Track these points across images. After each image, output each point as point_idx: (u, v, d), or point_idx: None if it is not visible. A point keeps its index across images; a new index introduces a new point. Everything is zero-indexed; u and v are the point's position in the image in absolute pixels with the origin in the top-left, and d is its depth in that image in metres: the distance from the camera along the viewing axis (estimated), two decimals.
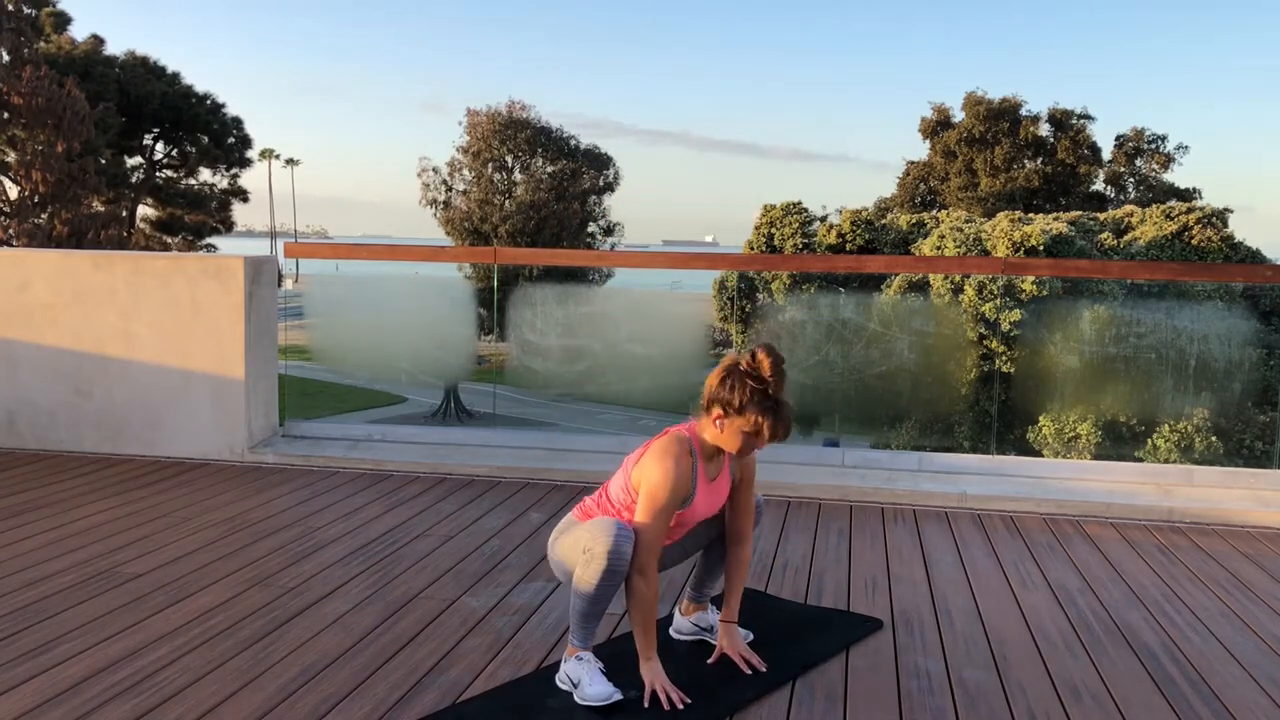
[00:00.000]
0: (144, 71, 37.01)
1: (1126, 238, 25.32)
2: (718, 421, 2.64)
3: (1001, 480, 4.93)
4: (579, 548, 2.65)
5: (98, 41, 36.50)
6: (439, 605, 3.35)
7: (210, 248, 40.14)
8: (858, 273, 23.89)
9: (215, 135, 38.63)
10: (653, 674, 2.65)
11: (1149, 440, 18.44)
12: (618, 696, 2.62)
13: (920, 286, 21.44)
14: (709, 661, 2.87)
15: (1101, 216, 27.23)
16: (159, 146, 38.75)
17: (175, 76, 38.10)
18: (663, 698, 2.60)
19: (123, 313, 5.36)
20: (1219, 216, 25.04)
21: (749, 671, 2.81)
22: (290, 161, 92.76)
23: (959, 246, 23.29)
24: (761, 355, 2.59)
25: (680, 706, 2.59)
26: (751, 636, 3.05)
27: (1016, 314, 19.60)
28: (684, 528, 2.80)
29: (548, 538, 4.09)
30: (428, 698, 2.69)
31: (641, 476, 2.65)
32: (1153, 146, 39.81)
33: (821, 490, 4.84)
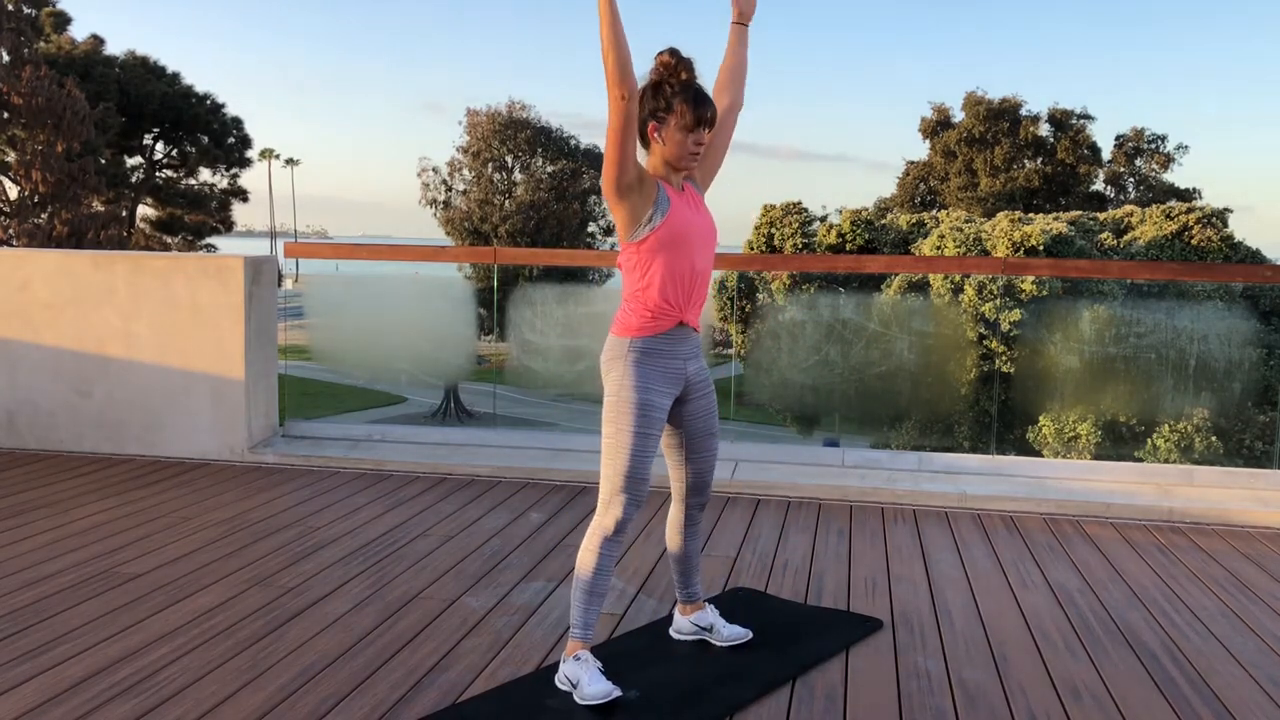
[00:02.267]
0: (144, 71, 37.00)
1: (1126, 238, 25.31)
2: (655, 136, 2.67)
3: (1001, 480, 4.93)
4: (607, 474, 2.70)
5: (98, 41, 36.50)
6: (439, 605, 3.35)
7: (210, 248, 40.13)
8: (858, 273, 23.88)
9: (215, 135, 38.62)
10: None
11: (1149, 440, 18.43)
12: (617, 694, 2.62)
13: (920, 286, 21.43)
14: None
15: (1101, 216, 27.23)
16: (159, 146, 38.74)
17: (175, 76, 38.09)
18: None
19: (123, 313, 5.36)
20: (1219, 216, 25.03)
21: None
22: (290, 161, 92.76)
23: (959, 246, 23.29)
24: (660, 57, 2.66)
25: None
26: (750, 636, 3.05)
27: (1016, 314, 19.58)
28: (686, 245, 2.68)
29: (549, 537, 4.10)
30: (428, 698, 2.69)
31: (608, 198, 2.63)
32: (1153, 146, 39.80)
33: (821, 490, 4.84)
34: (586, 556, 2.71)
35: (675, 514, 2.99)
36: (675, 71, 2.66)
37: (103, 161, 31.48)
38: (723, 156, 2.92)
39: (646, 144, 2.71)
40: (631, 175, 2.57)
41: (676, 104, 2.63)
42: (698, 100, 2.64)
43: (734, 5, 2.92)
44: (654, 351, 2.70)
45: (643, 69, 2.62)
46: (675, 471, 2.93)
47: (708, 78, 2.76)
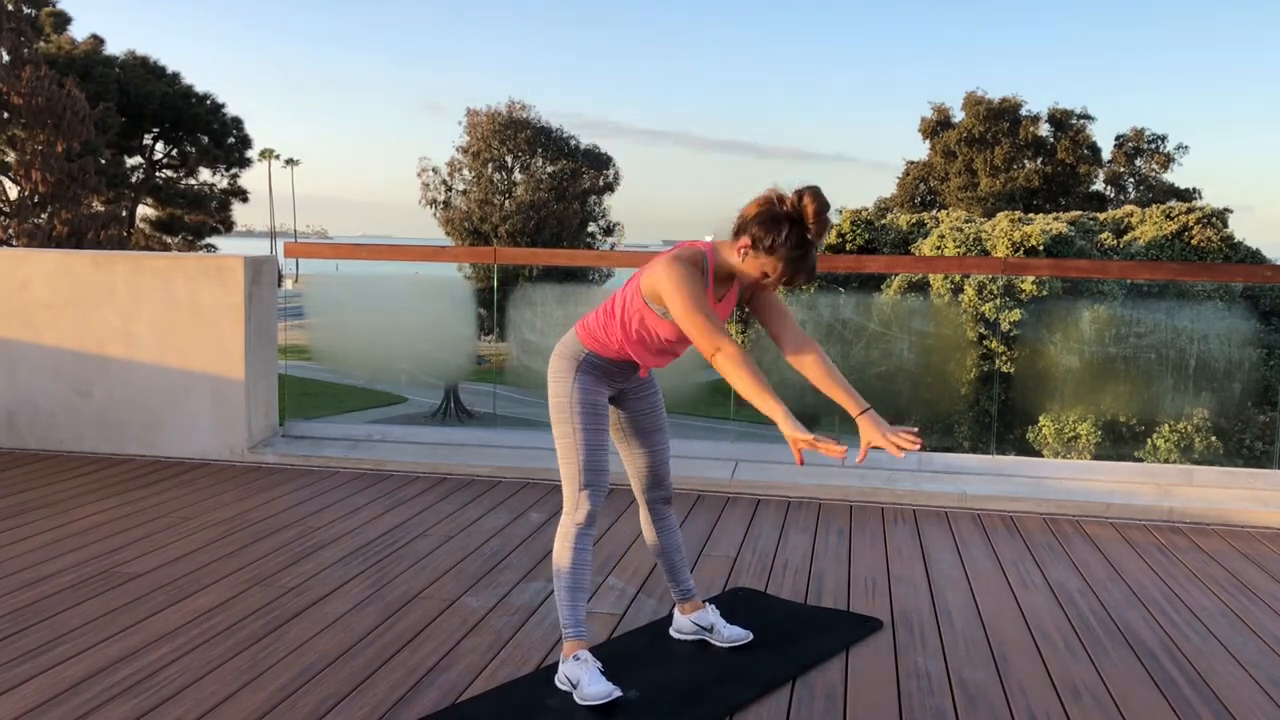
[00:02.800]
0: (144, 71, 37.01)
1: (1126, 238, 25.31)
2: (742, 251, 2.54)
3: (1001, 480, 4.93)
4: (566, 474, 2.73)
5: (98, 41, 36.51)
6: (439, 605, 3.35)
7: (210, 248, 40.13)
8: (858, 273, 23.88)
9: (215, 135, 38.63)
10: (794, 430, 2.42)
11: (1149, 440, 18.43)
12: (617, 695, 2.62)
13: (920, 286, 21.43)
14: (857, 461, 2.74)
15: (1101, 216, 27.23)
16: (159, 146, 38.75)
17: (175, 76, 38.10)
18: (823, 450, 2.37)
19: (123, 313, 5.36)
20: (1219, 216, 25.03)
21: (901, 455, 2.52)
22: (290, 161, 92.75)
23: (959, 246, 23.29)
24: (808, 199, 2.46)
25: (842, 452, 2.36)
26: (750, 636, 3.05)
27: (1016, 314, 19.58)
28: (671, 348, 2.72)
29: (548, 537, 4.10)
30: (428, 698, 2.69)
31: (654, 282, 2.56)
32: (1153, 146, 39.79)
33: (821, 490, 4.84)
34: (562, 554, 2.73)
35: (642, 512, 3.02)
36: (807, 224, 2.47)
37: (103, 161, 31.49)
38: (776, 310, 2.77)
39: (735, 233, 2.57)
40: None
41: (781, 257, 2.48)
42: (797, 269, 2.50)
43: (848, 398, 2.64)
44: (603, 367, 2.79)
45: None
46: (629, 466, 2.97)
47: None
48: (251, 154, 40.69)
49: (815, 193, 2.47)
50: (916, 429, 2.54)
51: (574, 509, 2.73)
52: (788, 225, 2.46)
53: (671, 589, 3.08)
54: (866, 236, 26.20)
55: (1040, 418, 19.55)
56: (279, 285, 5.88)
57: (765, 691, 2.75)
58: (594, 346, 2.76)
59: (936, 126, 40.20)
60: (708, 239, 2.71)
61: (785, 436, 2.46)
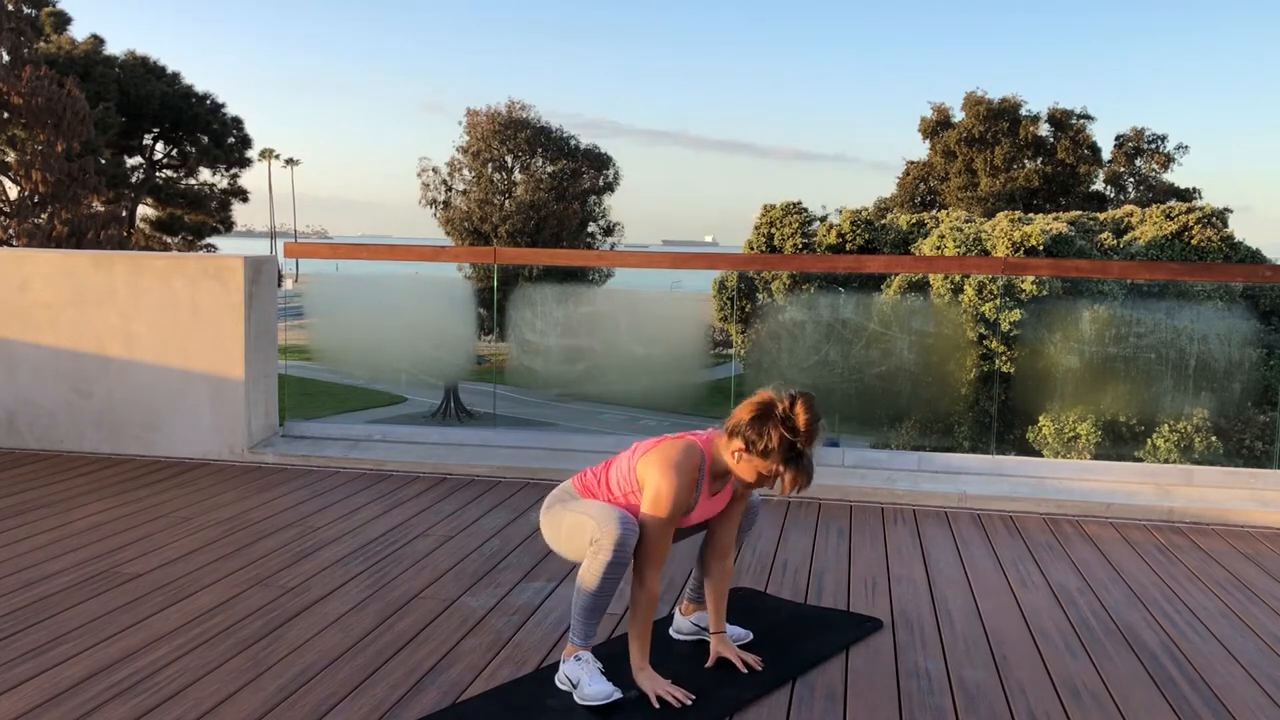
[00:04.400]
0: (144, 71, 37.00)
1: (1126, 238, 25.32)
2: (737, 454, 2.61)
3: (1001, 480, 4.93)
4: (585, 534, 2.65)
5: (98, 41, 36.50)
6: (439, 605, 3.35)
7: (210, 248, 40.12)
8: (858, 273, 23.89)
9: (215, 135, 38.62)
10: (651, 681, 2.66)
11: (1149, 440, 18.43)
12: (617, 695, 2.62)
13: (920, 286, 21.44)
14: (706, 666, 2.87)
15: (1101, 216, 27.23)
16: (159, 146, 38.75)
17: (175, 76, 38.10)
18: (670, 699, 2.61)
19: (123, 313, 5.36)
20: (1219, 216, 25.04)
21: (746, 671, 2.82)
22: (290, 161, 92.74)
23: (959, 246, 23.29)
24: (800, 408, 2.53)
25: (687, 703, 2.61)
26: (750, 636, 3.05)
27: (1016, 314, 19.59)
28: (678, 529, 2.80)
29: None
30: (428, 698, 2.69)
31: (646, 475, 2.65)
32: (1153, 146, 39.80)
33: (821, 490, 4.84)
34: (591, 577, 2.63)
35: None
36: (800, 432, 2.54)
37: (103, 161, 31.48)
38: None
39: (730, 436, 2.63)
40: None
41: (775, 461, 2.55)
42: (798, 471, 2.55)
43: (712, 617, 2.90)
44: None
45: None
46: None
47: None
48: (251, 154, 40.70)
49: (808, 401, 2.55)
50: (760, 658, 2.88)
51: (606, 540, 2.59)
52: (782, 429, 2.54)
53: (689, 589, 3.07)
54: (866, 236, 26.20)
55: (1040, 418, 19.55)
56: (279, 285, 5.88)
57: (765, 691, 2.75)
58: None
59: (936, 126, 40.19)
60: (705, 431, 2.78)
61: (637, 680, 2.67)
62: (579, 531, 2.68)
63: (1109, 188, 40.67)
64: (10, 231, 26.58)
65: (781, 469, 2.55)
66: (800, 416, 2.53)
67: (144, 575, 3.56)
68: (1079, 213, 28.10)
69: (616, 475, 2.74)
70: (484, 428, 8.15)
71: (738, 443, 2.59)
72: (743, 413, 2.59)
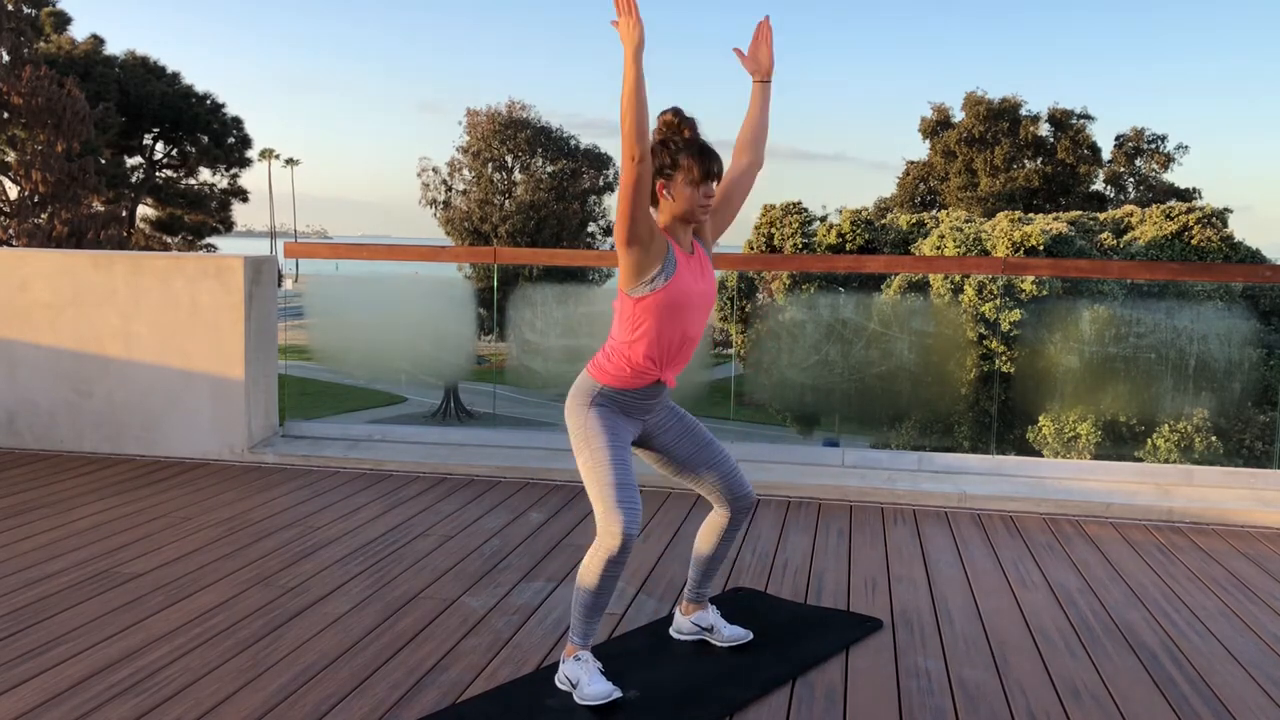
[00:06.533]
0: (144, 71, 37.01)
1: (1126, 238, 25.32)
2: (664, 193, 2.67)
3: (1001, 480, 4.93)
4: (592, 492, 2.65)
5: (98, 41, 36.50)
6: (439, 605, 3.35)
7: (210, 248, 40.12)
8: (858, 273, 23.88)
9: (215, 135, 38.62)
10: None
11: (1149, 440, 18.42)
12: (617, 695, 2.62)
13: (920, 286, 21.43)
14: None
15: (1101, 216, 27.23)
16: (159, 146, 38.75)
17: (175, 76, 38.10)
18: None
19: (123, 313, 5.36)
20: (1219, 216, 25.04)
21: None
22: (290, 161, 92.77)
23: (959, 246, 23.29)
24: (662, 117, 2.69)
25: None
26: (750, 636, 3.05)
27: (1016, 314, 19.59)
28: (683, 312, 2.68)
29: (548, 537, 4.10)
30: (428, 698, 2.69)
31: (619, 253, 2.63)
32: (1153, 146, 39.80)
33: (821, 490, 4.84)
34: (589, 576, 2.64)
35: (717, 519, 2.96)
36: (678, 129, 2.68)
37: (103, 161, 31.49)
38: (735, 213, 2.92)
39: (656, 202, 2.69)
40: (643, 231, 2.56)
41: (683, 159, 2.64)
42: (703, 154, 2.65)
43: (749, 65, 2.92)
44: (620, 402, 2.73)
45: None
46: (704, 491, 2.93)
47: (712, 131, 2.78)
48: (251, 154, 40.71)
49: (669, 110, 2.71)
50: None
51: (605, 529, 2.60)
52: (666, 142, 2.67)
53: (690, 589, 3.06)
54: (866, 236, 26.20)
55: (1040, 418, 19.55)
56: (279, 285, 5.88)
57: (765, 691, 2.75)
58: (609, 380, 2.71)
59: (936, 126, 40.20)
60: None
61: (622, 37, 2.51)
62: (591, 484, 2.67)
63: (1109, 188, 40.67)
64: (10, 231, 26.58)
65: (691, 160, 2.63)
66: (667, 120, 2.69)
67: (144, 575, 3.56)
68: (1079, 213, 28.11)
69: (618, 321, 2.71)
70: (484, 428, 8.15)
71: (659, 183, 2.66)
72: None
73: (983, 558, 4.00)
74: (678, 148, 2.66)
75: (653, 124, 2.65)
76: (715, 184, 2.69)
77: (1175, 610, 3.47)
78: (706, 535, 2.99)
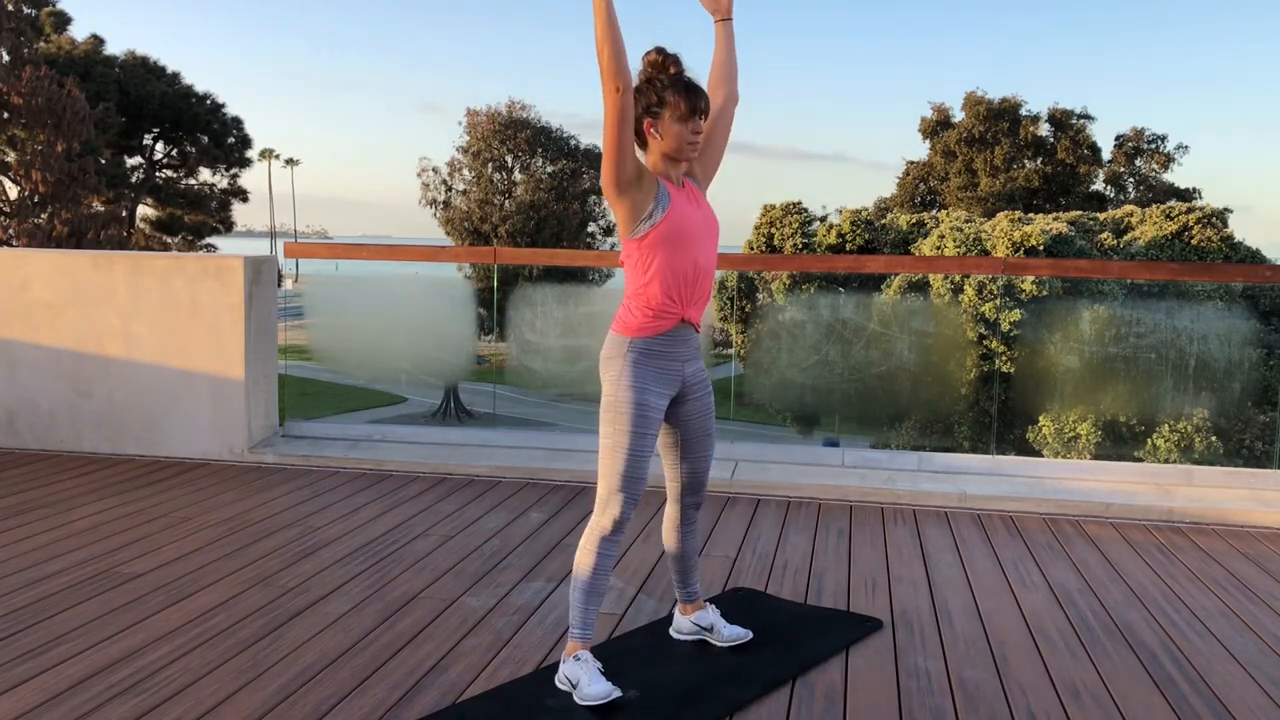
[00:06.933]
0: (144, 71, 37.00)
1: (1126, 238, 25.32)
2: (652, 132, 2.68)
3: (1001, 480, 4.93)
4: (603, 467, 2.69)
5: (98, 41, 36.49)
6: (439, 605, 3.35)
7: (210, 248, 40.12)
8: (858, 273, 23.88)
9: (215, 135, 38.62)
10: None
11: (1149, 440, 18.43)
12: (617, 695, 2.62)
13: (920, 286, 21.43)
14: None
15: (1101, 216, 27.23)
16: (159, 146, 38.74)
17: (175, 76, 38.09)
18: None
19: (123, 313, 5.36)
20: (1219, 216, 25.04)
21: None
22: (290, 161, 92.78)
23: (959, 246, 23.30)
24: (646, 57, 2.71)
25: None
26: (750, 636, 3.05)
27: (1016, 314, 19.59)
28: (688, 240, 2.67)
29: (548, 537, 4.10)
30: (428, 698, 2.69)
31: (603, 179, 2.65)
32: (1153, 146, 39.80)
33: (821, 490, 4.84)
34: (584, 556, 2.72)
35: (671, 513, 2.99)
36: (664, 67, 2.70)
37: (103, 161, 31.48)
38: (722, 153, 2.93)
39: (644, 143, 2.72)
40: (630, 170, 2.58)
41: (669, 96, 2.66)
42: (690, 90, 2.67)
43: (709, 5, 2.93)
44: (653, 353, 2.70)
45: (632, 69, 2.63)
46: (671, 471, 2.94)
47: (697, 75, 2.79)
48: (251, 154, 40.70)
49: (653, 49, 2.72)
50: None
51: (602, 511, 2.69)
52: (651, 81, 2.68)
53: (677, 590, 3.07)
54: (866, 236, 26.20)
55: (1040, 418, 19.55)
56: (279, 285, 5.88)
57: (765, 691, 2.75)
58: (634, 331, 2.69)
59: (936, 126, 40.20)
60: None
61: None
62: (604, 462, 2.71)
63: (1109, 188, 40.67)
64: (10, 231, 26.58)
65: (678, 97, 2.64)
66: (651, 60, 2.70)
67: (144, 575, 3.56)
68: (1079, 213, 28.10)
69: (629, 272, 2.71)
70: (484, 428, 8.15)
71: (645, 123, 2.68)
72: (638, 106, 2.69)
73: (982, 558, 4.00)
74: (664, 85, 2.67)
75: (636, 66, 2.67)
76: (703, 120, 2.70)
77: (1175, 610, 3.47)
78: (669, 533, 3.01)
